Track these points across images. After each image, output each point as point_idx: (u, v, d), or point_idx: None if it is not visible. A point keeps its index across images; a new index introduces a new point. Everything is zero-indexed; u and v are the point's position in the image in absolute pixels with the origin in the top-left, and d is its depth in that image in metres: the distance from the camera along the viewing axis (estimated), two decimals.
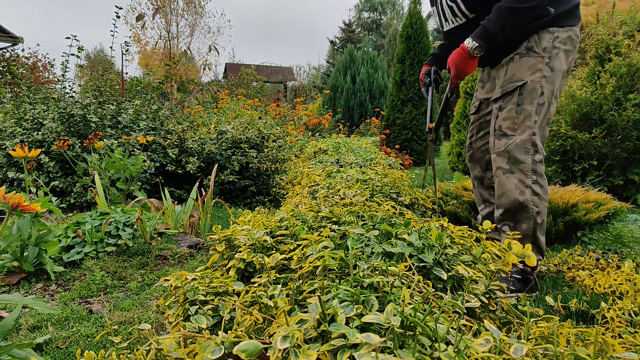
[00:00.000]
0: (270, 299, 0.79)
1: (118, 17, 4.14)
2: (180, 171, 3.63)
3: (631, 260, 1.75)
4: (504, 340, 0.63)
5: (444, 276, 0.90)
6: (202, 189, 2.97)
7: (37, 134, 3.38)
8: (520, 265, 1.61)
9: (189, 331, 0.78)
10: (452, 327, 0.69)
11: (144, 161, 3.16)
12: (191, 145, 3.74)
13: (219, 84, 11.77)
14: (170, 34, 15.26)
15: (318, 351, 0.59)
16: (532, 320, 0.83)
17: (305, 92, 15.11)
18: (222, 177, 3.58)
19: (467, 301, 0.83)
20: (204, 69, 7.97)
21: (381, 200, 1.59)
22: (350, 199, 1.55)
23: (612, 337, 1.13)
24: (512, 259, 0.94)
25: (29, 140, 3.37)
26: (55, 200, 2.43)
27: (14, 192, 1.36)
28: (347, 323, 0.64)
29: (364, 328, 0.63)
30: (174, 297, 0.91)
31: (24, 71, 6.37)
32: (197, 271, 1.05)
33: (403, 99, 7.04)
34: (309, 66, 34.06)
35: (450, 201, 2.68)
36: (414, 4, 7.16)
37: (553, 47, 1.63)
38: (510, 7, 1.53)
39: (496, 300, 0.95)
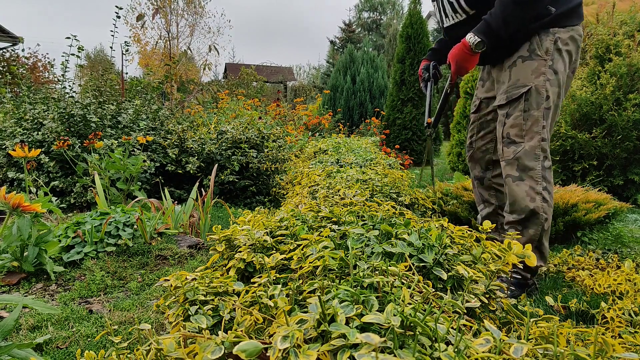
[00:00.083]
0: (270, 299, 0.79)
1: (118, 17, 4.14)
2: (180, 171, 3.63)
3: (631, 260, 1.75)
4: (504, 340, 0.63)
5: (444, 276, 0.90)
6: (202, 189, 2.97)
7: (37, 134, 3.38)
8: (521, 266, 1.61)
9: (189, 331, 0.78)
10: (452, 327, 0.69)
11: (144, 161, 3.16)
12: (191, 145, 3.74)
13: (219, 84, 11.77)
14: (170, 34, 15.26)
15: (318, 351, 0.59)
16: (532, 320, 0.83)
17: (305, 92, 15.11)
18: (222, 177, 3.58)
19: (467, 301, 0.83)
20: (204, 69, 7.97)
21: (381, 200, 1.59)
22: (350, 199, 1.55)
23: (612, 337, 1.13)
24: (512, 259, 0.94)
25: (29, 140, 3.37)
26: (55, 200, 2.43)
27: (14, 192, 1.36)
28: (347, 323, 0.64)
29: (364, 328, 0.63)
30: (174, 297, 0.91)
31: (24, 71, 6.38)
32: (197, 271, 1.05)
33: (403, 99, 7.04)
34: (309, 66, 34.09)
35: (450, 201, 2.68)
36: (414, 4, 7.16)
37: (555, 48, 1.60)
38: (515, 0, 1.50)
39: (496, 300, 0.95)
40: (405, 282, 0.82)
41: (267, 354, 0.60)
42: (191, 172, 3.57)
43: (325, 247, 0.96)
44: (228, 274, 1.06)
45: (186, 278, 0.94)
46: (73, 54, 3.95)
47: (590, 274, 1.74)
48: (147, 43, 16.24)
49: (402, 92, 7.04)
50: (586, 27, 4.36)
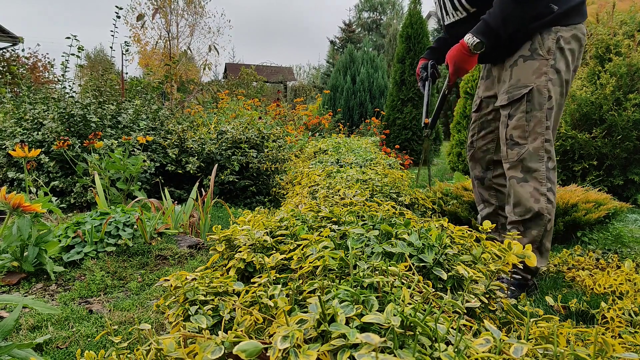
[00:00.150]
0: (270, 299, 0.79)
1: (118, 17, 4.14)
2: (180, 171, 3.63)
3: (631, 260, 1.75)
4: (504, 340, 0.63)
5: (444, 276, 0.90)
6: (202, 189, 2.97)
7: (37, 134, 3.38)
8: (521, 266, 1.61)
9: (189, 331, 0.78)
10: (452, 327, 0.69)
11: (144, 161, 3.16)
12: (191, 145, 3.74)
13: (219, 84, 11.77)
14: (170, 34, 15.26)
15: (318, 351, 0.59)
16: (532, 320, 0.83)
17: (305, 92, 15.11)
18: (222, 177, 3.58)
19: (467, 301, 0.83)
20: (204, 69, 7.97)
21: (381, 200, 1.59)
22: (350, 199, 1.55)
23: (612, 337, 1.13)
24: (512, 259, 0.94)
25: (29, 140, 3.37)
26: (55, 200, 2.43)
27: (14, 192, 1.36)
28: (347, 323, 0.64)
29: (364, 328, 0.63)
30: (174, 297, 0.91)
31: (24, 71, 6.38)
32: (197, 271, 1.05)
33: (403, 99, 7.04)
34: (309, 66, 34.09)
35: (450, 201, 2.68)
36: (414, 4, 7.16)
37: (557, 47, 1.58)
38: None
39: (496, 300, 0.95)
40: (405, 282, 0.82)
41: (267, 354, 0.60)
42: (191, 172, 3.57)
43: (325, 247, 0.96)
44: (228, 274, 1.06)
45: (186, 278, 0.94)
46: (73, 54, 3.96)
47: (590, 274, 1.74)
48: (147, 43, 16.25)
49: (402, 92, 7.04)
50: (586, 26, 4.36)
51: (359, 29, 26.41)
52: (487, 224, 1.06)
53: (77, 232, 2.02)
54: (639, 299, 1.37)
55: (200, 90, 8.45)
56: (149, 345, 0.70)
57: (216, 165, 3.07)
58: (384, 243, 0.98)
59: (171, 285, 0.92)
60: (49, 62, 12.77)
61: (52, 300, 1.61)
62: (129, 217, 2.18)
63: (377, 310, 0.66)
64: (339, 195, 1.68)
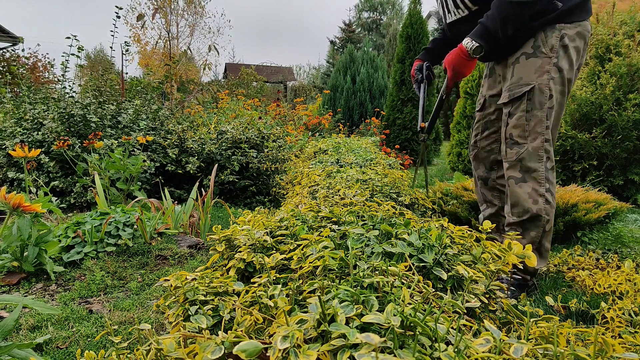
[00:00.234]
0: (270, 299, 0.79)
1: (118, 17, 4.14)
2: (180, 171, 3.63)
3: (631, 260, 1.75)
4: (504, 340, 0.63)
5: (444, 276, 0.90)
6: (202, 189, 2.97)
7: (37, 134, 3.38)
8: (521, 266, 1.61)
9: (189, 331, 0.78)
10: (452, 327, 0.69)
11: (144, 161, 3.16)
12: (191, 145, 3.74)
13: (219, 84, 11.77)
14: (170, 34, 15.26)
15: (318, 351, 0.59)
16: (532, 320, 0.83)
17: (305, 92, 15.10)
18: (222, 177, 3.58)
19: (467, 301, 0.83)
20: (204, 69, 7.97)
21: (381, 200, 1.59)
22: (350, 199, 1.55)
23: (612, 337, 1.13)
24: (512, 259, 0.94)
25: (29, 140, 3.37)
26: (55, 200, 2.43)
27: (14, 192, 1.36)
28: (347, 323, 0.64)
29: (364, 328, 0.63)
30: (174, 297, 0.91)
31: (24, 71, 6.37)
32: (197, 271, 1.05)
33: (403, 99, 7.04)
34: (309, 66, 34.08)
35: (450, 201, 2.68)
36: (414, 4, 7.16)
37: (561, 45, 1.55)
38: (510, 0, 1.45)
39: (496, 300, 0.95)
40: (405, 282, 0.82)
41: (267, 354, 0.60)
42: (191, 172, 3.57)
43: (325, 247, 0.96)
44: (228, 274, 1.06)
45: (186, 278, 0.94)
46: (73, 54, 3.96)
47: (590, 274, 1.74)
48: (147, 43, 16.24)
49: (402, 92, 7.04)
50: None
51: (359, 29, 26.41)
52: (487, 224, 1.06)
53: (77, 232, 2.02)
54: (639, 299, 1.37)
55: (200, 90, 8.46)
56: (149, 345, 0.70)
57: (216, 165, 3.07)
58: (384, 243, 0.98)
59: (171, 285, 0.92)
60: (49, 62, 12.78)
61: (52, 300, 1.61)
62: (129, 217, 2.18)
63: (377, 310, 0.66)
64: (339, 195, 1.68)
